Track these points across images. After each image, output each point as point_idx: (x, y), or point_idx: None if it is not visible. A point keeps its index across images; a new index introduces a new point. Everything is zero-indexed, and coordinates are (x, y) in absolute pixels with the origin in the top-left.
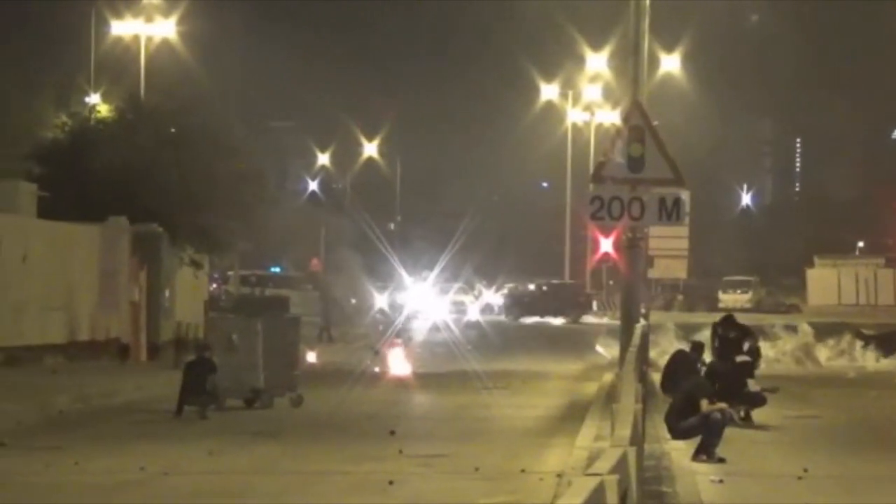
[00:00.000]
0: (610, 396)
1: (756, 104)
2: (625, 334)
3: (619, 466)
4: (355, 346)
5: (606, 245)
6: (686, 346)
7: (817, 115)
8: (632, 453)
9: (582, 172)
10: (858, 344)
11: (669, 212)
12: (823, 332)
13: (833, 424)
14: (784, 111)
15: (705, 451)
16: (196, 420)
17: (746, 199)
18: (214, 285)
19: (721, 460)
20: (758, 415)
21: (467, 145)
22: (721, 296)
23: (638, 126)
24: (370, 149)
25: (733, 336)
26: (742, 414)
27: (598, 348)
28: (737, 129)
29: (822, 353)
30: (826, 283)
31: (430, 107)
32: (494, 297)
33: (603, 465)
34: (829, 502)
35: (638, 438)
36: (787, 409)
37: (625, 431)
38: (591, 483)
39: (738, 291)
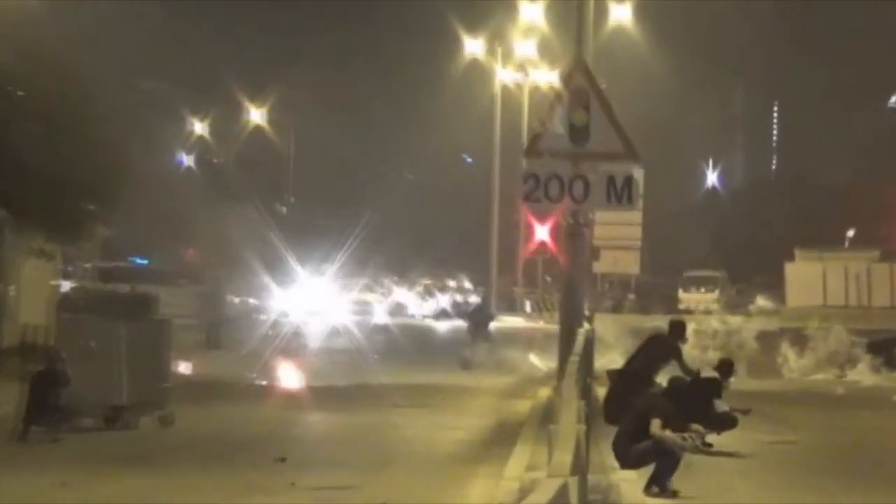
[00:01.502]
0: (547, 416)
1: (725, 65)
2: (565, 341)
3: (558, 501)
4: (240, 355)
5: (542, 233)
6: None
7: (798, 80)
8: (573, 485)
9: (513, 145)
10: (848, 353)
11: (619, 193)
12: (804, 337)
13: (817, 452)
14: (759, 74)
15: (658, 483)
16: (46, 443)
17: (713, 178)
18: (60, 281)
19: (675, 493)
20: (726, 440)
21: (377, 115)
22: (681, 295)
23: (582, 89)
24: (257, 116)
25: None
26: (704, 439)
27: (533, 358)
28: (702, 95)
29: (800, 363)
30: (809, 279)
31: (332, 68)
32: (407, 295)
33: (538, 499)
34: None
35: (581, 467)
36: (761, 433)
37: (565, 458)
38: None
39: (703, 290)
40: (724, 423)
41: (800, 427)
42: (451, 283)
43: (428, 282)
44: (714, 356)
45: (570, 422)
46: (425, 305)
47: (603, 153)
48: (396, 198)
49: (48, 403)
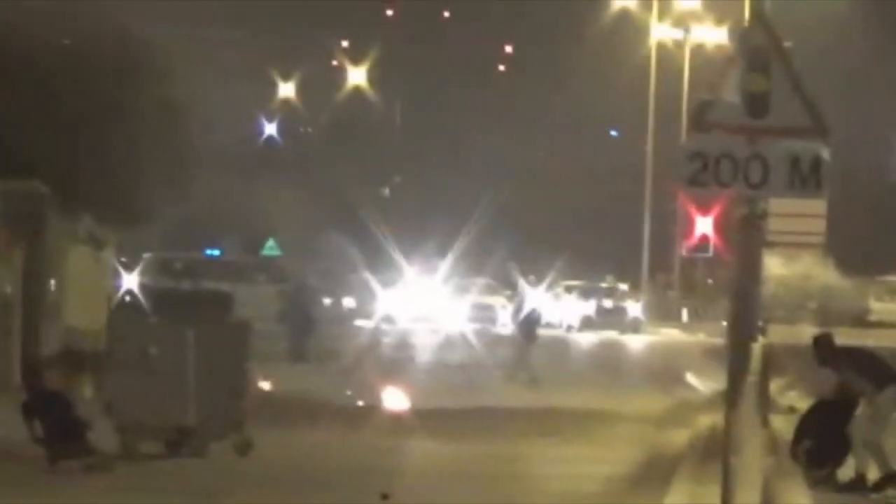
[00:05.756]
0: (709, 450)
1: None
2: (736, 358)
3: None
4: (332, 368)
5: (704, 225)
6: None
7: None
8: None
9: (671, 116)
10: None
11: (805, 177)
12: None
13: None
14: None
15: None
16: (81, 472)
17: None
18: (122, 275)
19: None
20: None
21: (502, 79)
22: (874, 304)
23: (761, 49)
24: (357, 76)
25: None
26: None
27: (691, 379)
28: None
29: None
30: None
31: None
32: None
33: None
34: None
35: None
36: None
37: (750, 497)
38: None
39: None
40: None
41: None
42: (603, 286)
43: (571, 283)
44: None
45: (754, 455)
46: (567, 312)
47: (786, 128)
48: (523, 180)
49: (68, 434)
